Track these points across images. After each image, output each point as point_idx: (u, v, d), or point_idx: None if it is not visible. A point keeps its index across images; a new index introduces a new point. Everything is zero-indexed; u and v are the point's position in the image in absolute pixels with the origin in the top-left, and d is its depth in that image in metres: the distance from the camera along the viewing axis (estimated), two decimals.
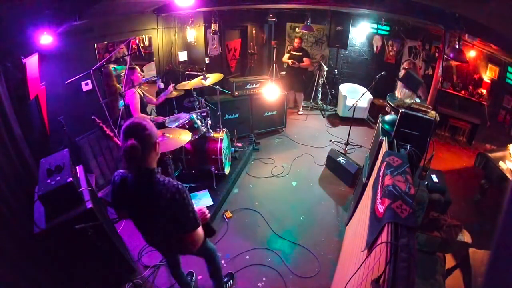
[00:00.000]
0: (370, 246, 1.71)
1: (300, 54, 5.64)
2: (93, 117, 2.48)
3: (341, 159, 4.05)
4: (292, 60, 5.64)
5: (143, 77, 3.62)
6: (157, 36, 4.38)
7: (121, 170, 1.54)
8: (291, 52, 5.78)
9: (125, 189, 1.47)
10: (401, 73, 4.33)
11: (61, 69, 3.01)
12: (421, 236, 2.31)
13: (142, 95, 3.53)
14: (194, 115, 3.48)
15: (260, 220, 3.29)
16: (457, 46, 2.98)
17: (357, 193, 3.00)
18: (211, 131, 3.69)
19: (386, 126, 2.76)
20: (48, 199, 1.81)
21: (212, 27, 4.91)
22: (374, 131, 3.35)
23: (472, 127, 4.97)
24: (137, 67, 3.48)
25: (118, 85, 3.69)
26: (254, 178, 4.08)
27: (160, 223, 1.52)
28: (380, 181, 1.98)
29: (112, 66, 3.80)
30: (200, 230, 1.57)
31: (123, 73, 3.49)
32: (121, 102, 3.42)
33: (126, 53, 3.86)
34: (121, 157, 1.37)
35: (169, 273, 2.60)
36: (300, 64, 5.62)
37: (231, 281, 2.51)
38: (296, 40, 5.68)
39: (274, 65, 5.63)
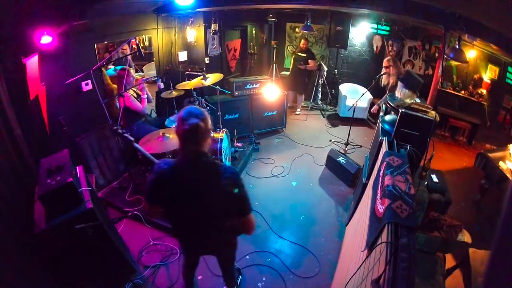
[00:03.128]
0: (370, 246, 1.71)
1: (305, 55, 5.65)
2: (114, 128, 2.41)
3: (341, 159, 4.05)
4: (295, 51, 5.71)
5: (136, 80, 3.60)
6: (157, 36, 4.38)
7: (165, 160, 1.51)
8: (296, 53, 5.78)
9: (177, 176, 1.43)
10: (382, 71, 4.27)
11: (61, 69, 3.01)
12: (421, 236, 2.31)
13: (135, 96, 3.52)
14: None
15: (260, 220, 3.29)
16: (457, 46, 2.98)
17: (357, 193, 3.00)
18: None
19: (386, 126, 2.76)
20: (48, 199, 1.81)
21: (212, 27, 4.90)
22: (374, 131, 3.35)
23: (472, 127, 4.97)
24: (131, 69, 3.46)
25: (114, 85, 3.67)
26: (254, 178, 4.08)
27: (217, 208, 1.49)
28: (380, 181, 1.98)
29: (111, 66, 3.80)
30: None
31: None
32: (117, 104, 3.40)
33: (126, 53, 3.86)
34: (180, 138, 1.38)
35: (168, 273, 2.62)
36: (307, 66, 5.63)
37: (240, 276, 2.53)
38: (302, 41, 5.68)
39: (274, 65, 5.64)
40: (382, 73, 4.27)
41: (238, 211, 1.50)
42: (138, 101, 3.49)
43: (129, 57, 3.30)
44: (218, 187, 1.42)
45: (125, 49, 3.86)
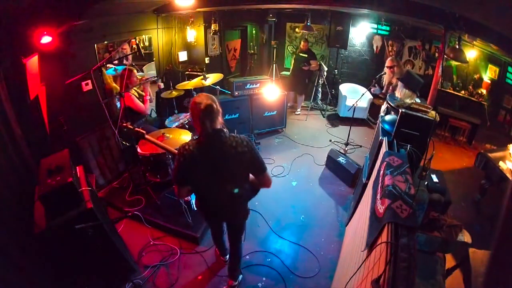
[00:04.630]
0: (370, 246, 1.71)
1: (306, 56, 5.64)
2: (123, 124, 2.56)
3: (341, 159, 4.05)
4: (296, 54, 5.70)
5: (139, 80, 3.60)
6: (157, 36, 4.38)
7: (185, 143, 1.73)
8: (297, 53, 5.78)
9: (203, 151, 1.67)
10: (384, 71, 4.31)
11: (61, 69, 3.01)
12: (421, 236, 2.30)
13: (137, 95, 3.52)
14: None
15: (260, 220, 3.29)
16: (457, 46, 2.98)
17: (357, 193, 3.00)
18: None
19: (386, 126, 2.76)
20: (48, 199, 1.81)
21: (212, 27, 4.90)
22: (374, 131, 3.35)
23: (472, 127, 4.96)
24: (134, 69, 3.46)
25: (114, 85, 3.67)
26: None
27: (241, 170, 1.79)
28: (380, 181, 1.98)
29: (111, 66, 3.80)
30: None
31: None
32: (117, 104, 3.40)
33: (126, 53, 3.87)
34: (200, 117, 1.62)
35: (168, 273, 2.62)
36: (310, 67, 5.63)
37: (240, 275, 2.54)
38: (302, 43, 5.69)
39: (274, 65, 5.64)
40: (382, 72, 4.27)
41: (259, 170, 1.83)
42: (140, 101, 3.49)
43: (129, 57, 3.31)
44: (239, 154, 1.69)
45: (125, 49, 3.87)
